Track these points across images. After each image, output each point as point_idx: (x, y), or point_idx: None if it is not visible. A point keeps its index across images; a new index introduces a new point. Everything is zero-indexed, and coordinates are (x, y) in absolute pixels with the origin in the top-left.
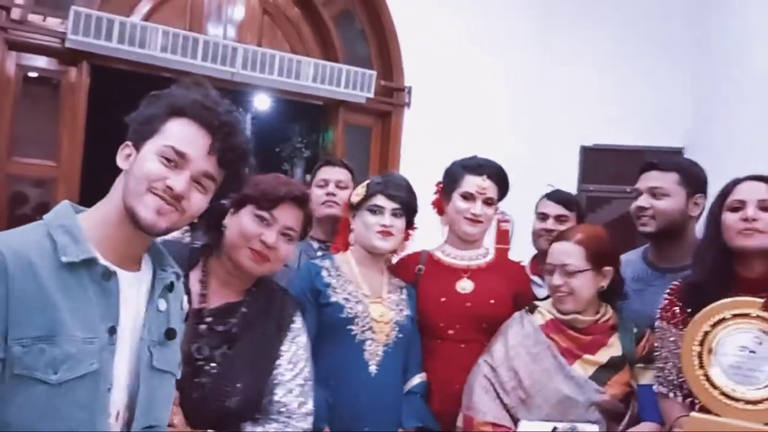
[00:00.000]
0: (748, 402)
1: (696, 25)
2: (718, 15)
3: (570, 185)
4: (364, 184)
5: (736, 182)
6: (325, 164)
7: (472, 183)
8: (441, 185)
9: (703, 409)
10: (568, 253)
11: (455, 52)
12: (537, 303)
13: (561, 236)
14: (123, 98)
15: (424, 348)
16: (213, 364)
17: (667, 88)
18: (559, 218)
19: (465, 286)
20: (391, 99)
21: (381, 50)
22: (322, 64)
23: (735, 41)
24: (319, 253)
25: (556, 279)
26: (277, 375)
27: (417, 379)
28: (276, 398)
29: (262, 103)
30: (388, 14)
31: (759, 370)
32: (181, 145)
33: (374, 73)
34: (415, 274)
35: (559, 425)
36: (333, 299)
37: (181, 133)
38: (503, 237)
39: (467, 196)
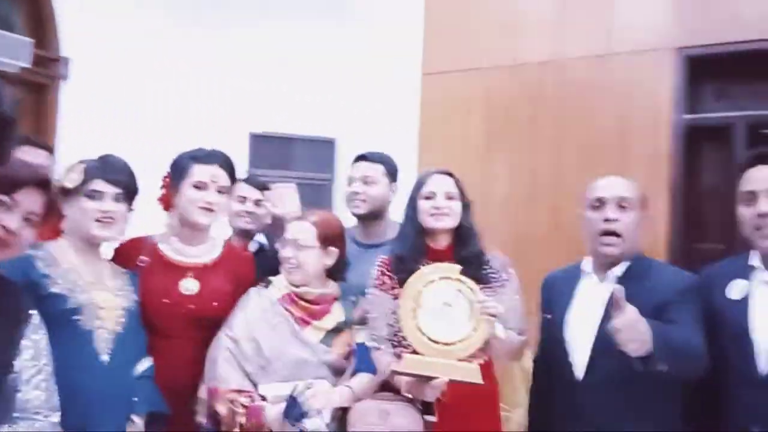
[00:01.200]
0: (446, 344)
1: (341, 27)
2: (360, 21)
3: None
4: (79, 167)
5: (429, 175)
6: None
7: (204, 172)
8: (167, 179)
9: (414, 354)
10: (303, 230)
11: (120, 21)
12: (271, 279)
13: (300, 216)
14: None
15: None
16: None
17: (320, 84)
18: (256, 202)
19: (189, 286)
20: (45, 70)
21: (32, 14)
22: None
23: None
24: None
25: (288, 252)
26: (20, 372)
27: (145, 363)
28: (21, 396)
29: None
30: None
31: (454, 319)
32: None
33: (31, 40)
34: (137, 266)
35: (299, 384)
36: (54, 290)
37: None
38: None
39: (200, 186)
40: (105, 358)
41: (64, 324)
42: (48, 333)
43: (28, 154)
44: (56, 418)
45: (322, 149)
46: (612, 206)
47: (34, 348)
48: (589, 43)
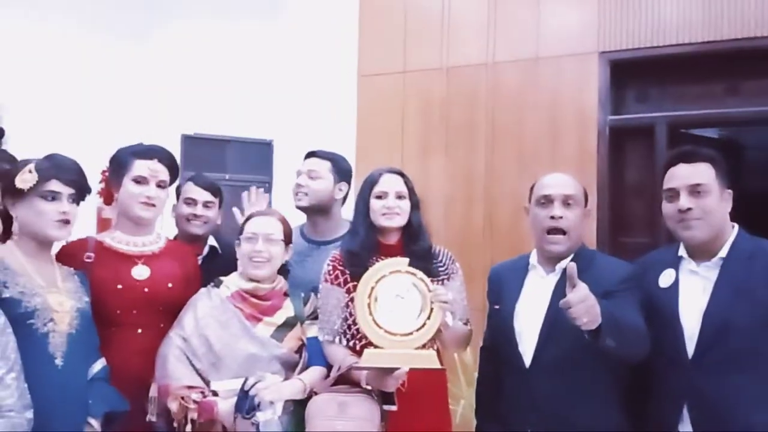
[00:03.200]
0: (403, 335)
1: (276, 29)
2: (295, 23)
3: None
4: (30, 167)
5: (381, 173)
6: None
7: (143, 167)
8: (106, 173)
9: (370, 346)
10: (272, 225)
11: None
12: (222, 278)
13: (261, 212)
14: None
15: (99, 336)
16: None
17: (256, 86)
18: (206, 204)
19: (141, 272)
20: None
21: None
22: None
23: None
24: None
25: (260, 245)
26: None
27: (98, 365)
28: None
29: None
30: None
31: (408, 311)
32: None
33: None
34: (84, 262)
35: (250, 378)
36: (6, 295)
37: None
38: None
39: (140, 180)
40: (59, 361)
41: (18, 328)
42: None
43: None
44: (30, 414)
45: (258, 151)
46: (558, 204)
47: (2, 347)
48: (519, 47)
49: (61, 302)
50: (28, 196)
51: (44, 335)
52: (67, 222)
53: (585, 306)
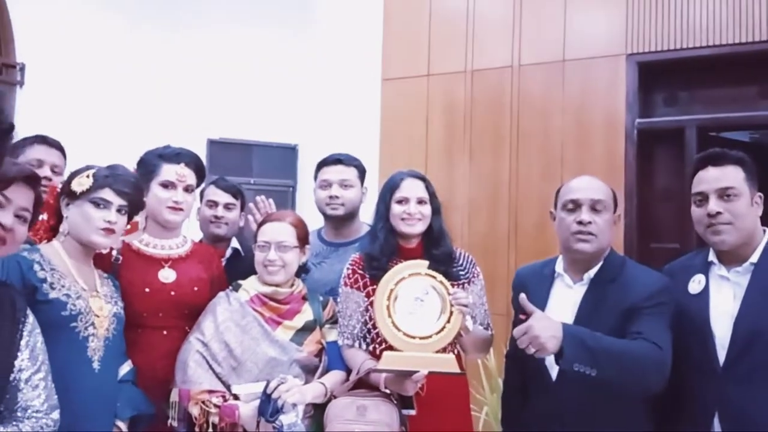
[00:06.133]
0: (422, 338)
1: (301, 34)
2: (320, 29)
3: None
4: (89, 173)
5: (402, 178)
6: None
7: (171, 171)
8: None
9: (390, 350)
10: (284, 231)
11: (76, 27)
12: (240, 282)
13: (273, 217)
14: None
15: (125, 338)
16: None
17: (281, 91)
18: (227, 206)
19: (167, 275)
20: (1, 77)
21: None
22: None
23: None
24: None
25: (273, 254)
26: (19, 371)
27: (126, 367)
28: (21, 395)
29: None
30: None
31: (427, 314)
32: None
33: None
34: (112, 264)
35: (272, 381)
36: (53, 296)
37: None
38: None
39: (167, 185)
40: (96, 365)
41: (61, 330)
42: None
43: (41, 152)
44: (56, 415)
45: (283, 156)
46: (586, 208)
47: (32, 348)
48: (545, 50)
49: (101, 307)
50: (80, 199)
51: (84, 339)
52: (112, 231)
53: (527, 337)
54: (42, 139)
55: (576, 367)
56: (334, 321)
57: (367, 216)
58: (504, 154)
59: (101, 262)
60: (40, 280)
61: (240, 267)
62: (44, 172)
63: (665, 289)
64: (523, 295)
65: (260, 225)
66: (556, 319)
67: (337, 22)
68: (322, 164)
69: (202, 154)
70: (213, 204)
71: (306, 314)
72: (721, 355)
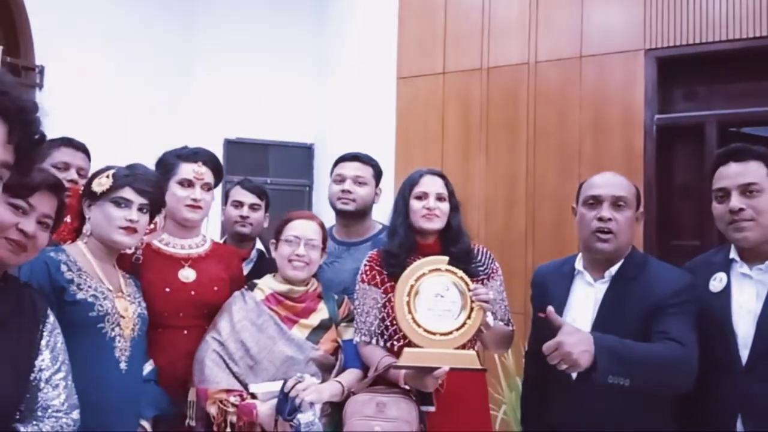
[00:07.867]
0: (442, 334)
1: (317, 34)
2: (335, 28)
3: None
4: (109, 173)
5: (421, 174)
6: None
7: (189, 170)
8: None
9: (409, 346)
10: (314, 230)
11: (92, 29)
12: (255, 282)
13: (303, 215)
14: None
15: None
16: None
17: (296, 91)
18: (252, 206)
19: (187, 275)
20: (19, 79)
21: (6, 24)
22: None
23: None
24: None
25: (302, 249)
26: (40, 371)
27: (148, 367)
28: (42, 395)
29: None
30: None
31: (447, 310)
32: None
33: None
34: (132, 264)
35: (289, 380)
36: (80, 296)
37: None
38: None
39: (185, 183)
40: (123, 366)
41: (88, 331)
42: (69, 339)
43: (66, 155)
44: (77, 415)
45: (299, 155)
46: (607, 205)
47: (52, 347)
48: (561, 46)
49: (126, 307)
50: (101, 199)
51: (111, 339)
52: (133, 230)
53: (559, 354)
54: (68, 142)
55: (611, 379)
56: (349, 319)
57: (380, 218)
58: (521, 152)
59: (122, 262)
60: (67, 280)
61: (265, 268)
62: (71, 175)
63: (690, 287)
64: (550, 308)
65: (286, 221)
66: (578, 318)
67: (353, 21)
68: (340, 160)
69: (219, 154)
70: (239, 204)
71: (321, 313)
72: (744, 354)
